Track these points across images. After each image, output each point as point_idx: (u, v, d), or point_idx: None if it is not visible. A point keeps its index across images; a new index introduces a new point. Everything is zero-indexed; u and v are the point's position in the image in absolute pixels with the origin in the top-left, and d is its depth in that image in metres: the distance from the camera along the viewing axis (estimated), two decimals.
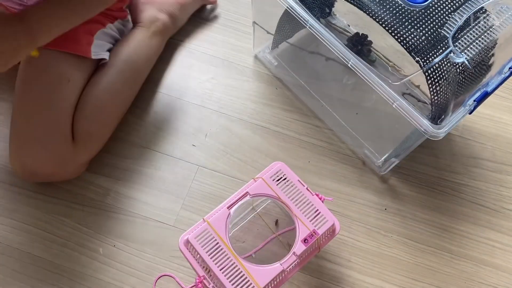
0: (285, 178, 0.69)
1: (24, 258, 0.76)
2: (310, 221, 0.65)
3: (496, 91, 0.96)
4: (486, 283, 0.79)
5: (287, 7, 0.73)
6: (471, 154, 0.90)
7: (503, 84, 0.96)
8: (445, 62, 0.63)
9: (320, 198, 0.68)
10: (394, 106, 0.67)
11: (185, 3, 0.97)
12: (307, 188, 0.68)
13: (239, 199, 0.67)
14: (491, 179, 0.88)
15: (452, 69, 0.64)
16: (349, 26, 0.88)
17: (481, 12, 0.66)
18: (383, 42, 0.88)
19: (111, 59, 0.85)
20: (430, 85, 0.64)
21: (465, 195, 0.86)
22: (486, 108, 0.94)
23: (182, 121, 0.90)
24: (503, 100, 0.96)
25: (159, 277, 0.76)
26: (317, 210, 0.66)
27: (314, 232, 0.65)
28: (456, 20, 0.64)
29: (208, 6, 1.05)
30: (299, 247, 0.63)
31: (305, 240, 0.64)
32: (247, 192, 0.67)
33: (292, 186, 0.68)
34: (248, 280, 0.61)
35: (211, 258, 0.62)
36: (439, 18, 0.64)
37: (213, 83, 0.95)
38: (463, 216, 0.84)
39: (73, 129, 0.78)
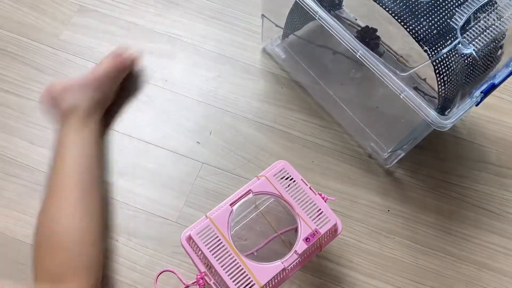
0: (288, 177, 0.68)
1: (28, 251, 0.77)
2: (312, 220, 0.65)
3: (502, 96, 0.97)
4: (488, 287, 0.78)
5: None
6: (476, 158, 0.89)
7: (510, 89, 0.96)
8: (453, 53, 0.63)
9: (323, 198, 0.68)
10: (401, 96, 0.67)
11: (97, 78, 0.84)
12: (310, 188, 0.68)
13: (241, 196, 0.67)
14: (496, 183, 0.87)
15: (460, 60, 0.64)
16: (356, 20, 0.88)
17: (489, 4, 0.66)
18: (392, 36, 0.88)
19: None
20: (437, 76, 0.63)
21: (469, 198, 0.85)
22: (492, 112, 0.94)
23: (187, 118, 0.90)
24: (509, 104, 0.95)
25: (160, 273, 0.76)
26: (320, 209, 0.66)
27: (316, 231, 0.64)
28: (465, 12, 0.64)
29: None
30: (300, 246, 0.63)
31: (306, 239, 0.64)
32: (250, 190, 0.67)
33: (295, 185, 0.68)
34: (249, 277, 0.61)
35: (212, 254, 0.62)
36: (448, 9, 0.64)
37: (218, 81, 0.95)
38: (466, 219, 0.84)
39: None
